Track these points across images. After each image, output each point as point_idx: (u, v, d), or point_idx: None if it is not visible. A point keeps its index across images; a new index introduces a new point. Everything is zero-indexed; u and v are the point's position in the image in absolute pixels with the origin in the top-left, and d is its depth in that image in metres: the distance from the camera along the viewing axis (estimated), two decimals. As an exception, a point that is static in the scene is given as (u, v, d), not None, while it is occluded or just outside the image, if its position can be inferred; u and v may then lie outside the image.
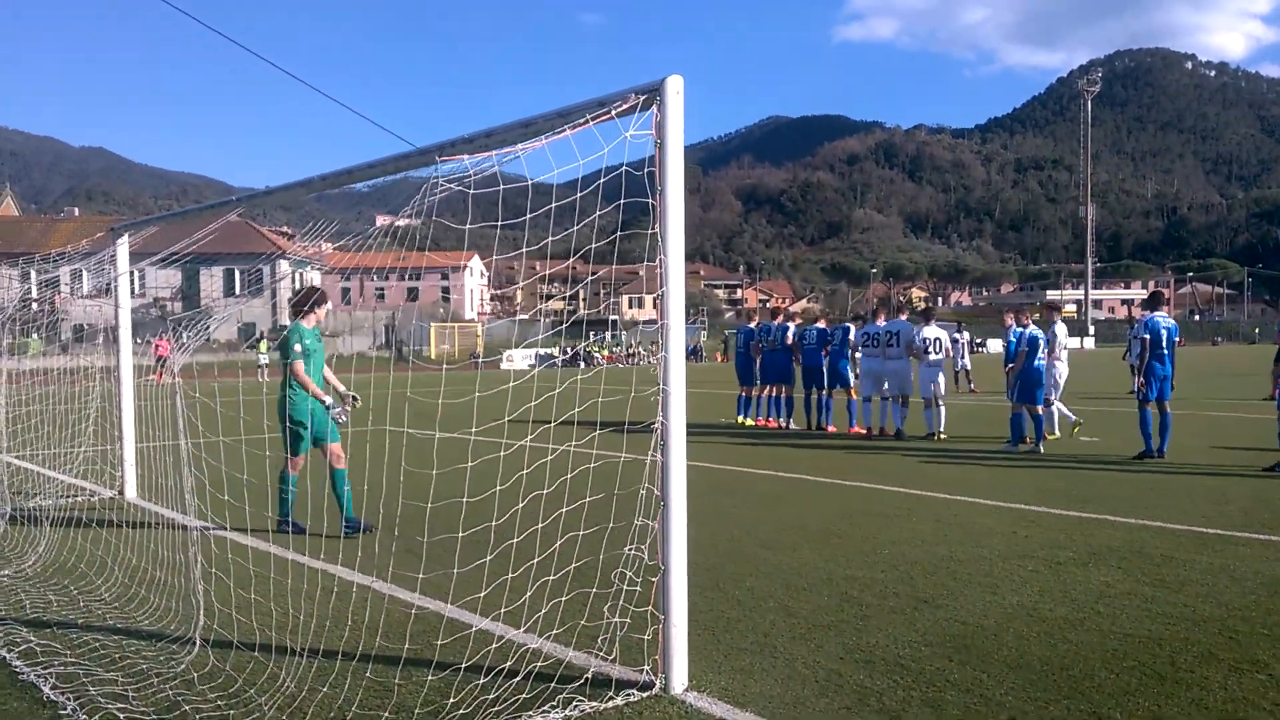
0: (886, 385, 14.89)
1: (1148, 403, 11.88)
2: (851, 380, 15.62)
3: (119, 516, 8.39)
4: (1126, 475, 10.73)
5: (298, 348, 7.21)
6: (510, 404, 4.90)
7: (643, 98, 4.31)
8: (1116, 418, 17.43)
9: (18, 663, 4.70)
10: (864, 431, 15.15)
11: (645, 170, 4.34)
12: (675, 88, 4.28)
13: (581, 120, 4.36)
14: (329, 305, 7.53)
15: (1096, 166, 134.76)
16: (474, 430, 4.75)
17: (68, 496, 9.18)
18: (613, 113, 4.33)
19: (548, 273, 4.57)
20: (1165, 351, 11.82)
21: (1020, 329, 13.27)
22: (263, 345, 40.42)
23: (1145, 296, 14.33)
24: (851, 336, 15.54)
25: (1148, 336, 11.91)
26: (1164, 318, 12.09)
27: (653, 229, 4.36)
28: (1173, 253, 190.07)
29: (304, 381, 7.20)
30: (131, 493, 9.35)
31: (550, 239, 4.49)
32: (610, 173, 4.46)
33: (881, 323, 15.27)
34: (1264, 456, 11.23)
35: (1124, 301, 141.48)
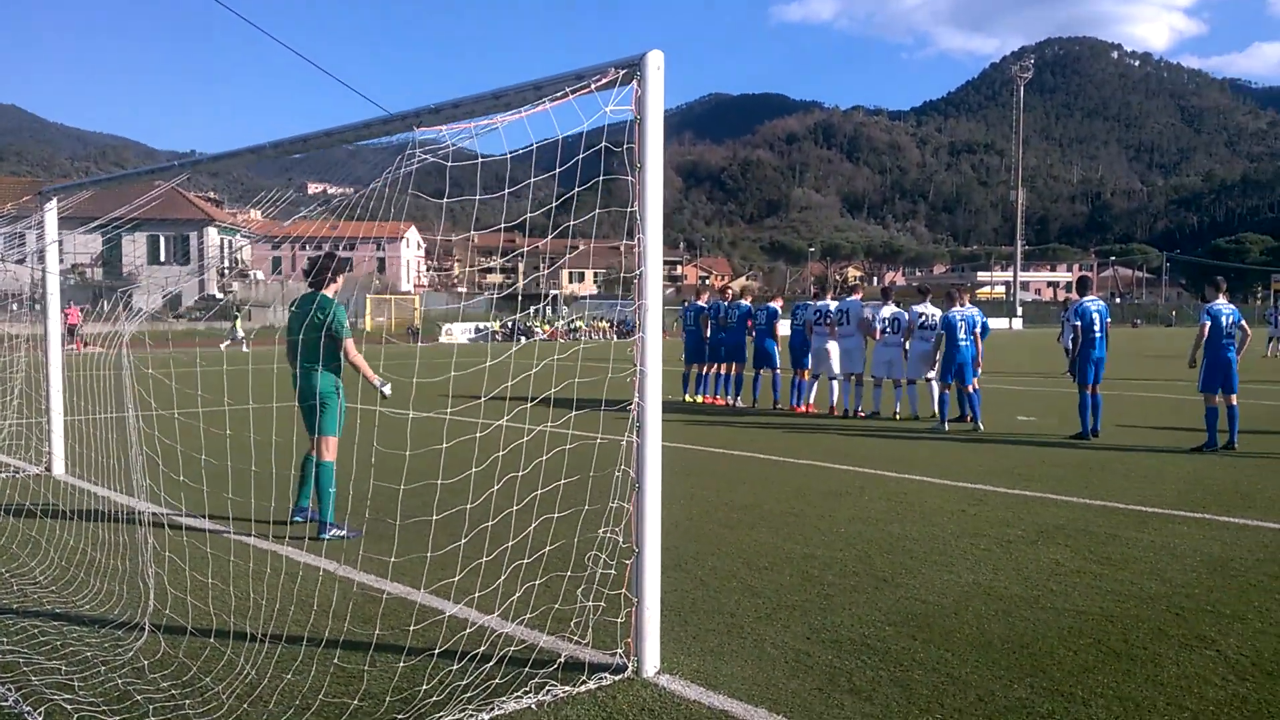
0: (838, 364, 15.00)
1: (1086, 386, 12.15)
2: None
3: (49, 495, 8.01)
4: (1064, 454, 11.01)
5: (349, 323, 6.68)
6: (472, 380, 4.78)
7: (622, 72, 4.21)
8: (1050, 397, 17.89)
9: (-49, 653, 4.44)
10: (806, 410, 15.26)
11: (623, 147, 4.25)
12: (656, 63, 4.19)
13: (559, 94, 4.24)
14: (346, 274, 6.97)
15: (1026, 151, 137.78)
16: (449, 410, 4.63)
17: (-9, 473, 8.75)
18: (591, 86, 4.22)
19: (530, 247, 4.45)
20: (1097, 335, 12.10)
21: (943, 311, 13.44)
22: (239, 321, 39.14)
23: (1074, 281, 14.57)
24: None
25: (1079, 323, 12.16)
26: (1094, 301, 12.32)
27: (631, 207, 4.28)
28: (1096, 237, 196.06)
29: (359, 363, 6.62)
30: (59, 469, 8.96)
31: (531, 212, 4.38)
32: (589, 148, 4.35)
33: (832, 302, 15.37)
34: (1192, 437, 11.62)
35: (1050, 284, 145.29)
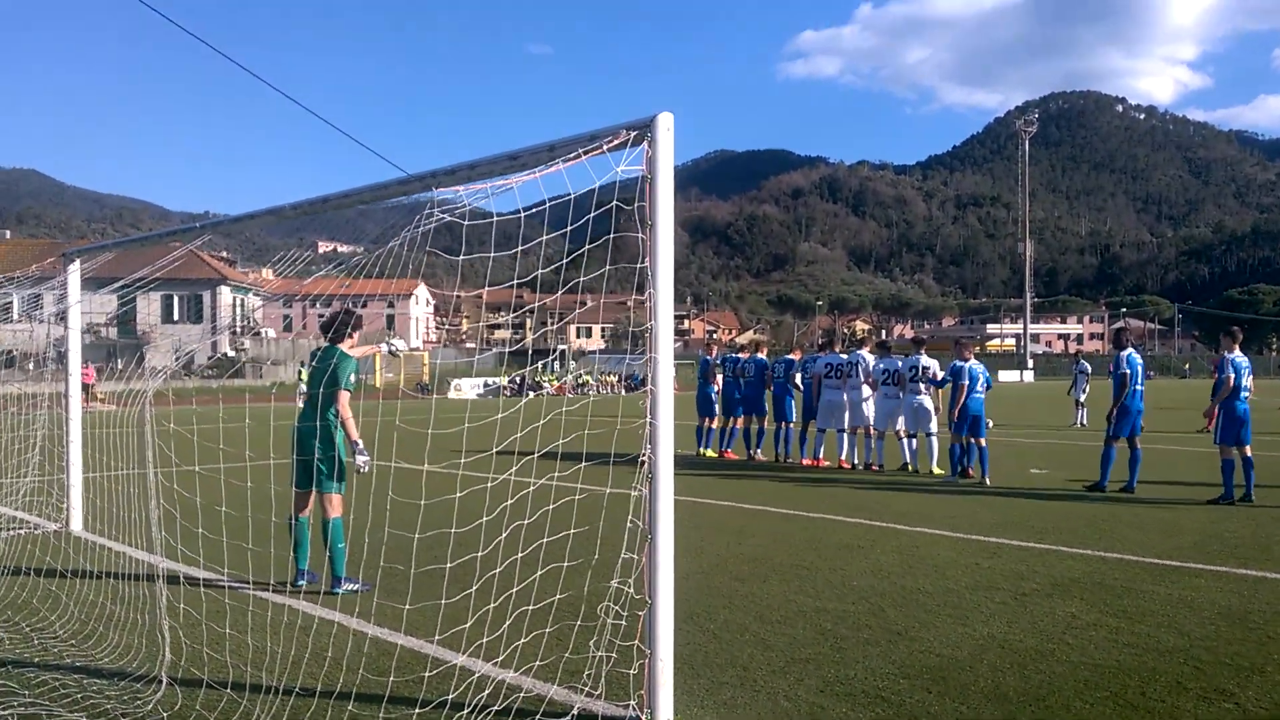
0: (847, 417, 14.99)
1: (1118, 439, 11.94)
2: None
3: (69, 550, 8.07)
4: (1078, 507, 10.94)
5: (353, 378, 6.69)
6: (486, 434, 4.85)
7: (633, 133, 4.35)
8: (1062, 450, 17.83)
9: (-24, 704, 4.52)
10: (813, 463, 15.21)
11: (634, 205, 4.37)
12: (666, 124, 4.33)
13: (573, 155, 4.38)
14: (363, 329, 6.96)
15: (1033, 204, 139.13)
16: (462, 461, 4.70)
17: (11, 529, 8.83)
18: (604, 148, 4.36)
19: (539, 303, 4.55)
20: (1140, 387, 11.99)
21: (960, 363, 13.41)
22: (303, 372, 39.61)
23: (1112, 331, 14.30)
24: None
25: (1128, 371, 11.89)
26: (1135, 353, 12.17)
27: (642, 263, 4.39)
28: (1106, 289, 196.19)
29: (346, 417, 6.62)
30: (78, 525, 9.03)
31: (541, 269, 4.49)
32: (599, 206, 4.48)
33: (843, 355, 15.43)
34: (1207, 490, 11.53)
35: (1060, 336, 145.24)
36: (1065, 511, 10.59)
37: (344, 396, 6.63)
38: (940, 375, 14.12)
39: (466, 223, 4.46)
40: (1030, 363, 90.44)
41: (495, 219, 4.52)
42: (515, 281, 4.37)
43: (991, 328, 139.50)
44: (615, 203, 4.43)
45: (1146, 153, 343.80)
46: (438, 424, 4.70)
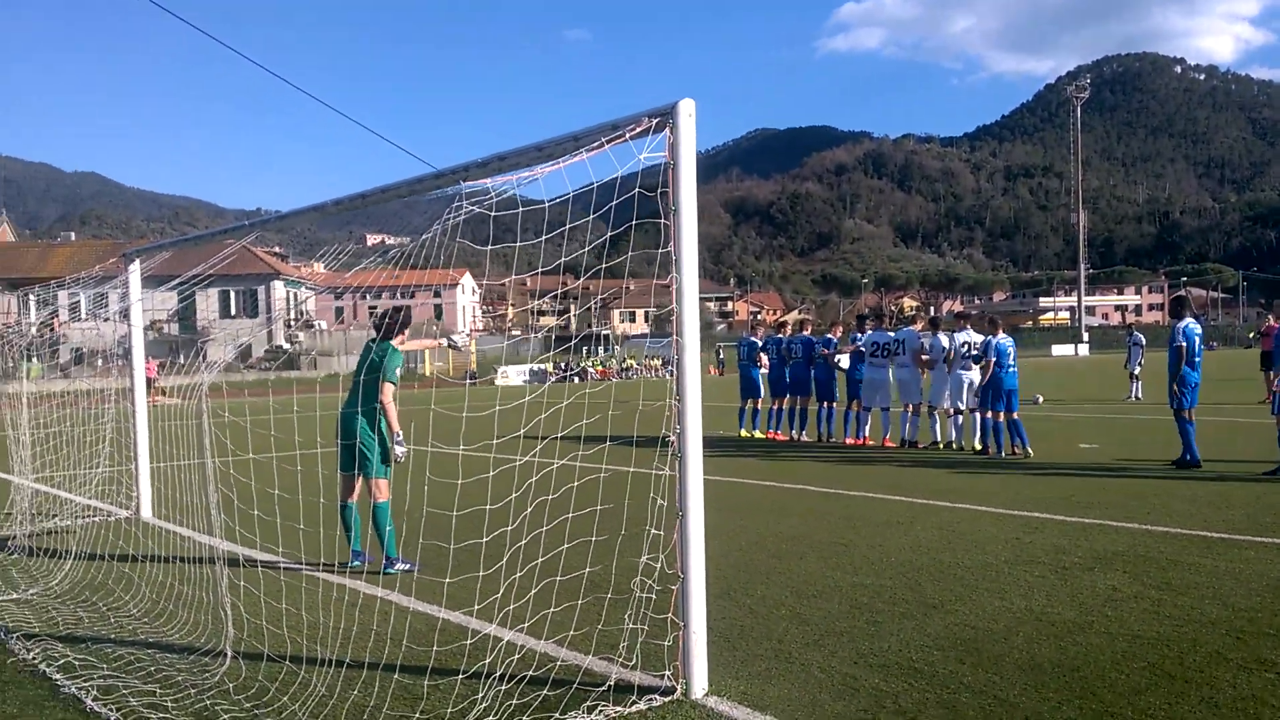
0: (894, 394, 14.97)
1: (1184, 411, 11.59)
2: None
3: (139, 535, 8.58)
4: (1126, 481, 10.83)
5: (398, 371, 6.99)
6: (518, 418, 5.04)
7: (655, 120, 4.46)
8: (1114, 424, 17.58)
9: (57, 676, 4.87)
10: (857, 442, 15.22)
11: (657, 191, 4.48)
12: (687, 110, 4.44)
13: (596, 144, 4.50)
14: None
15: (1087, 172, 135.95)
16: (494, 441, 4.89)
17: (85, 517, 9.32)
18: (626, 135, 4.48)
19: (577, 287, 4.69)
20: (1198, 359, 11.68)
21: (990, 338, 13.31)
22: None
23: (1168, 302, 13.58)
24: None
25: (1184, 344, 11.55)
26: (1194, 323, 11.78)
27: (665, 248, 4.50)
28: (1166, 258, 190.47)
29: (389, 408, 6.91)
30: (147, 512, 9.49)
31: (577, 255, 4.62)
32: (624, 192, 4.60)
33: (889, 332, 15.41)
34: (1260, 465, 11.31)
35: (1118, 308, 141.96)
36: (1112, 486, 10.50)
37: (388, 388, 6.93)
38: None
39: (505, 211, 4.64)
40: (1085, 336, 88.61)
41: (544, 204, 4.66)
42: (541, 270, 4.51)
43: (1044, 301, 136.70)
44: (639, 189, 4.56)
45: (1207, 114, 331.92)
46: (473, 409, 4.89)
